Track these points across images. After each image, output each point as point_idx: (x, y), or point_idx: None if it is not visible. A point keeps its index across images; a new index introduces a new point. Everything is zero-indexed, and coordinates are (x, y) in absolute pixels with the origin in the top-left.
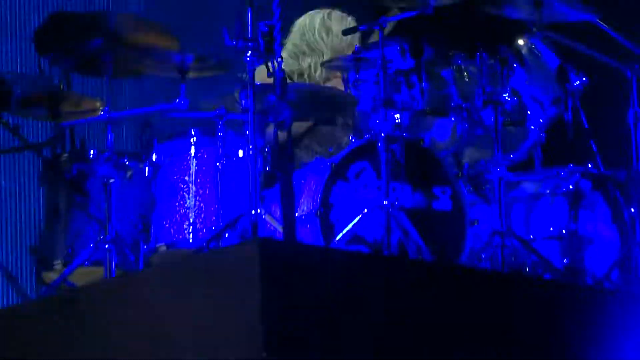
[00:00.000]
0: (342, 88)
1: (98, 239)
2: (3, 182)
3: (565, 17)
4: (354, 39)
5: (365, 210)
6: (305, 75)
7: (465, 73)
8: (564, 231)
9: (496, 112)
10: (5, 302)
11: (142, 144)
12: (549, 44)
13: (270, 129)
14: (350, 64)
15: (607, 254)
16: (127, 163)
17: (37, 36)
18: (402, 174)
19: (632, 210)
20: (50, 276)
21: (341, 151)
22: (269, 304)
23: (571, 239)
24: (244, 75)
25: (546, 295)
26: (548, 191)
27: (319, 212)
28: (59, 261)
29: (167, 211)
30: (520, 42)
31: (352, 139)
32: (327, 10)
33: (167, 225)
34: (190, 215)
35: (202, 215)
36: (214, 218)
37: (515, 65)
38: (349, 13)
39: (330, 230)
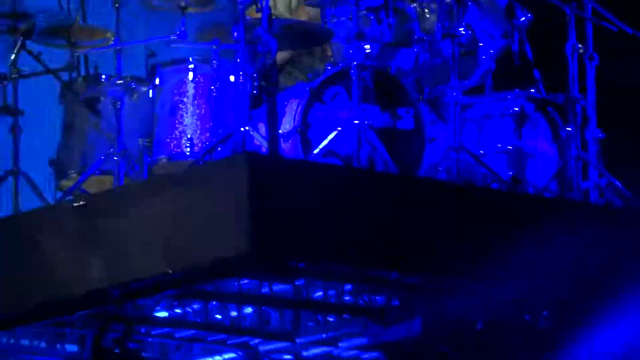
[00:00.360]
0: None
1: (108, 151)
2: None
3: None
4: None
5: (339, 129)
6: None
7: (426, 10)
8: (510, 147)
9: (453, 44)
10: (28, 207)
11: (147, 70)
12: None
13: (258, 58)
14: (328, 2)
15: (547, 167)
16: (134, 87)
17: None
18: (372, 97)
19: (569, 129)
20: (67, 184)
21: (318, 77)
22: (255, 208)
23: (516, 154)
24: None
25: (494, 202)
26: (497, 112)
27: (299, 130)
28: (74, 171)
29: (168, 128)
30: None
31: (328, 66)
32: None
33: (168, 140)
34: (188, 131)
35: (198, 132)
36: (208, 134)
37: (469, 3)
38: None
39: (308, 145)
